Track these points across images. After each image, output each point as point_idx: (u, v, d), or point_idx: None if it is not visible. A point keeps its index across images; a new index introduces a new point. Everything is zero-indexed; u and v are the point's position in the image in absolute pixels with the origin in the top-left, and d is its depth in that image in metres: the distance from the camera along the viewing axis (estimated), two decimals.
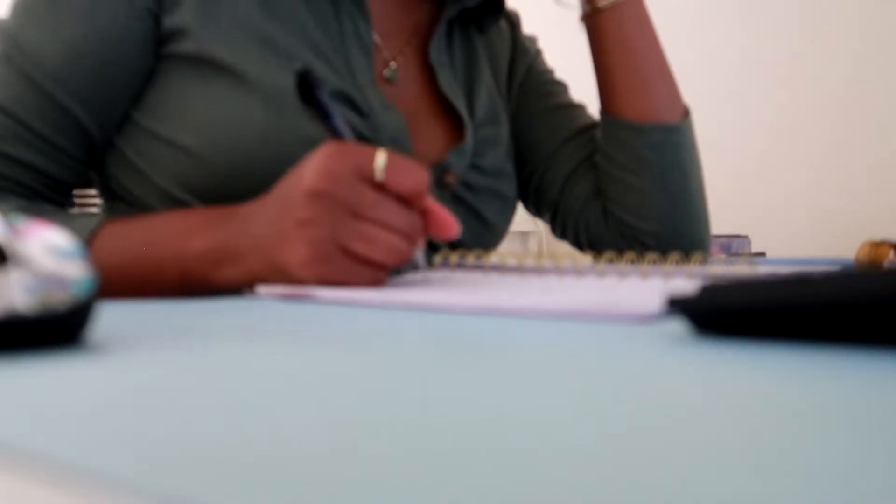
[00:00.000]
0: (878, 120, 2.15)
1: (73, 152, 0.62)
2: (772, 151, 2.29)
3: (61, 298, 0.25)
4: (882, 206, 2.12)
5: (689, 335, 0.27)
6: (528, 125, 0.83)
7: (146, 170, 0.62)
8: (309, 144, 0.57)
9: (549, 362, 0.22)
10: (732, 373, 0.20)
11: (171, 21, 0.60)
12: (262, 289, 0.45)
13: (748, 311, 0.25)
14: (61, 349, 0.25)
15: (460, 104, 0.73)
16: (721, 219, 2.13)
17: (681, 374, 0.20)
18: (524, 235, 2.61)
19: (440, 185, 0.69)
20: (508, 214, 0.78)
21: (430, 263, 0.59)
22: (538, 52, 0.88)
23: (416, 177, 0.46)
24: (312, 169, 0.46)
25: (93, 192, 0.70)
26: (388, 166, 0.45)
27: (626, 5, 0.75)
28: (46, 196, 0.62)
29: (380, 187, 0.46)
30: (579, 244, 0.82)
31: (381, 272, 0.46)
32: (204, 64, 0.60)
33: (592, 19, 0.76)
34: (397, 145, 0.65)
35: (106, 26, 0.59)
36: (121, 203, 0.65)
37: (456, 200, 0.71)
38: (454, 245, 0.71)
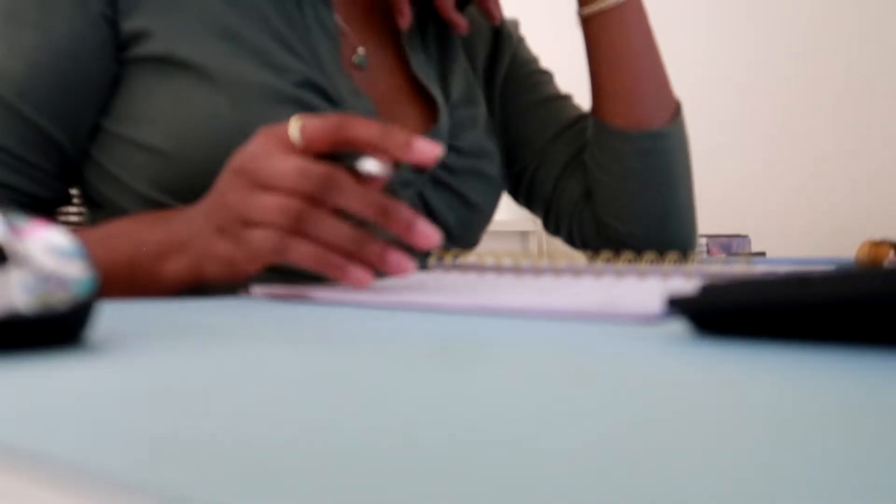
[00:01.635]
0: (877, 120, 2.15)
1: (48, 168, 0.61)
2: (772, 151, 2.29)
3: (61, 298, 0.25)
4: (882, 206, 2.12)
5: (689, 335, 0.27)
6: (518, 120, 0.82)
7: (121, 175, 0.61)
8: None
9: (549, 362, 0.22)
10: (732, 373, 0.20)
11: (129, 24, 0.60)
12: (257, 289, 0.45)
13: (748, 311, 0.25)
14: (61, 349, 0.25)
15: (434, 87, 0.72)
16: (721, 219, 2.14)
17: (681, 374, 0.20)
18: (524, 235, 2.61)
19: (417, 170, 0.68)
20: (494, 195, 0.77)
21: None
22: (521, 40, 0.86)
23: (329, 122, 0.45)
24: (237, 153, 0.48)
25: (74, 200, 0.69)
26: (303, 127, 0.45)
27: (611, 13, 0.74)
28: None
29: (303, 153, 0.45)
30: (572, 241, 0.82)
31: (282, 238, 0.44)
32: (168, 63, 0.60)
33: (582, 25, 0.76)
34: None
35: (62, 36, 0.59)
36: (102, 211, 0.64)
37: (437, 184, 0.70)
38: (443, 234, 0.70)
